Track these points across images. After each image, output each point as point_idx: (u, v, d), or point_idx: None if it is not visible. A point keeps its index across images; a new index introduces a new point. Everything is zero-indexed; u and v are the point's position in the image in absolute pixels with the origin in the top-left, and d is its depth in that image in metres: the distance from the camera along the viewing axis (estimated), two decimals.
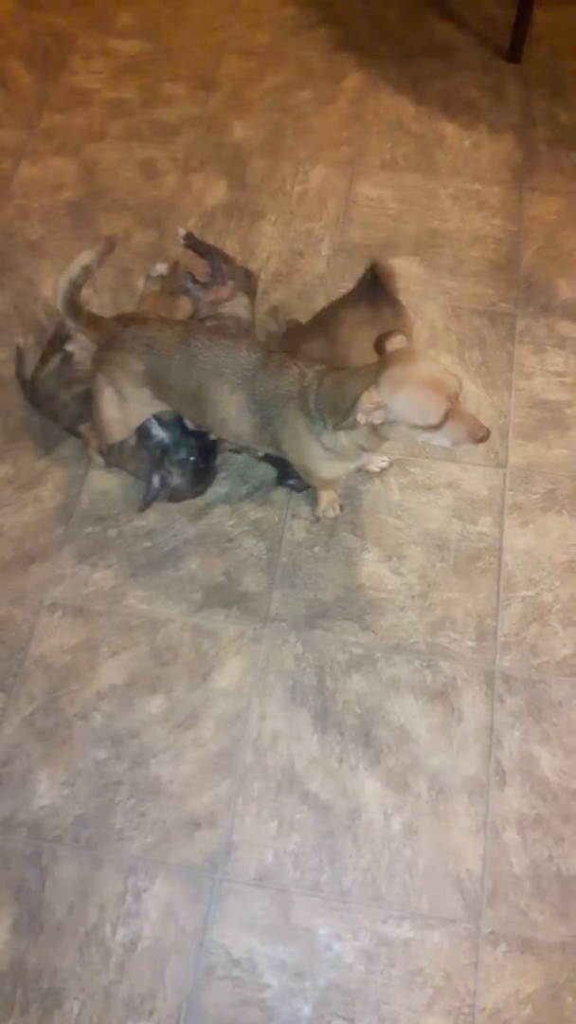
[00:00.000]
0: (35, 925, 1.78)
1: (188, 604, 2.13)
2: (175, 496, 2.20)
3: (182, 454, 2.13)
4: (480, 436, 1.62)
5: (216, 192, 2.82)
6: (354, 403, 1.62)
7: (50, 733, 1.97)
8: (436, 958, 1.75)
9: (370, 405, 1.61)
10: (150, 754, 1.94)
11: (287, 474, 2.21)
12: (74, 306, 1.90)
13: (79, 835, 1.86)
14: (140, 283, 2.60)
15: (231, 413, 1.86)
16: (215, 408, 1.87)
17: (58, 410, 2.26)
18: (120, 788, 1.91)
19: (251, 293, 2.37)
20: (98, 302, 2.54)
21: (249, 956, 1.75)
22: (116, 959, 1.75)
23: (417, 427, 1.63)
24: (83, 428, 2.20)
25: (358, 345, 1.95)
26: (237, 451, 2.28)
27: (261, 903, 1.80)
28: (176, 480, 2.15)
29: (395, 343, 1.66)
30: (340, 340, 2.04)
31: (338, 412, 1.67)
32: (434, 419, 1.60)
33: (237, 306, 2.28)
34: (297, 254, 2.67)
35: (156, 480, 2.13)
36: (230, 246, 2.67)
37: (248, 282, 2.39)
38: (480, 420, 1.64)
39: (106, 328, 1.92)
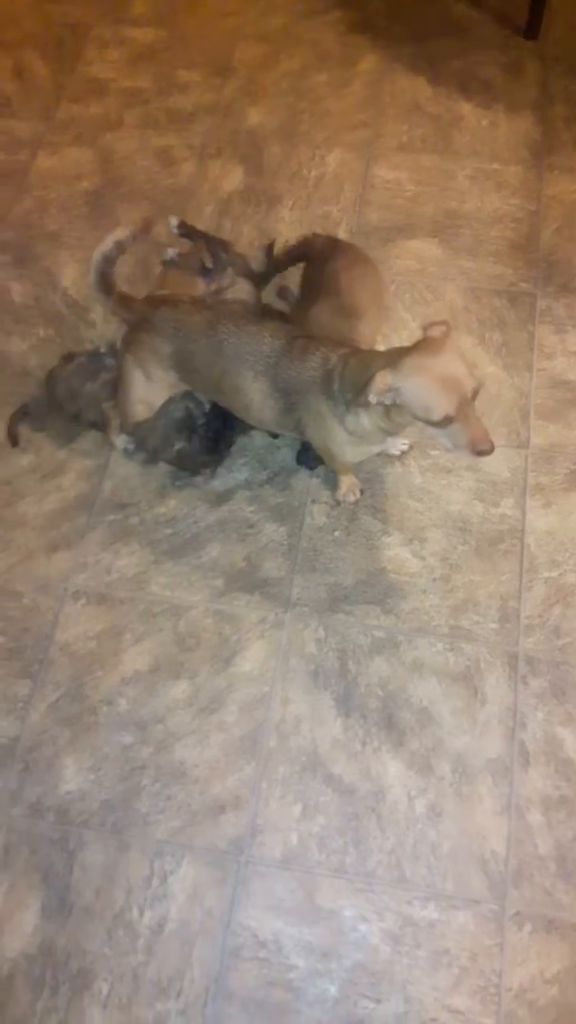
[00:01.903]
0: (63, 908, 1.80)
1: (210, 590, 2.13)
2: (182, 461, 2.21)
3: (196, 421, 2.17)
4: (481, 449, 1.60)
5: (233, 178, 2.81)
6: (369, 381, 1.61)
7: (76, 719, 1.99)
8: (461, 939, 1.75)
9: (382, 386, 1.60)
10: (175, 738, 1.96)
11: (305, 456, 2.21)
12: (106, 282, 1.90)
13: (105, 819, 1.88)
14: (157, 270, 2.60)
15: (255, 399, 1.86)
16: (238, 394, 1.87)
17: (82, 406, 2.25)
18: (145, 772, 1.92)
19: (251, 276, 2.36)
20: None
21: (275, 938, 1.76)
22: (144, 941, 1.77)
23: (421, 419, 1.63)
24: (107, 406, 2.21)
25: (359, 285, 2.12)
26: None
27: (287, 885, 1.81)
28: (183, 444, 2.18)
29: (435, 330, 1.65)
30: (341, 291, 2.10)
31: (357, 391, 1.66)
32: (436, 416, 1.59)
33: (240, 292, 2.28)
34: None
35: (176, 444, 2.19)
36: (247, 231, 2.66)
37: (248, 268, 2.38)
38: (487, 434, 1.60)
39: (137, 308, 1.93)
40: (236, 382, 1.87)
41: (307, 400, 1.80)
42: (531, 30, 3.05)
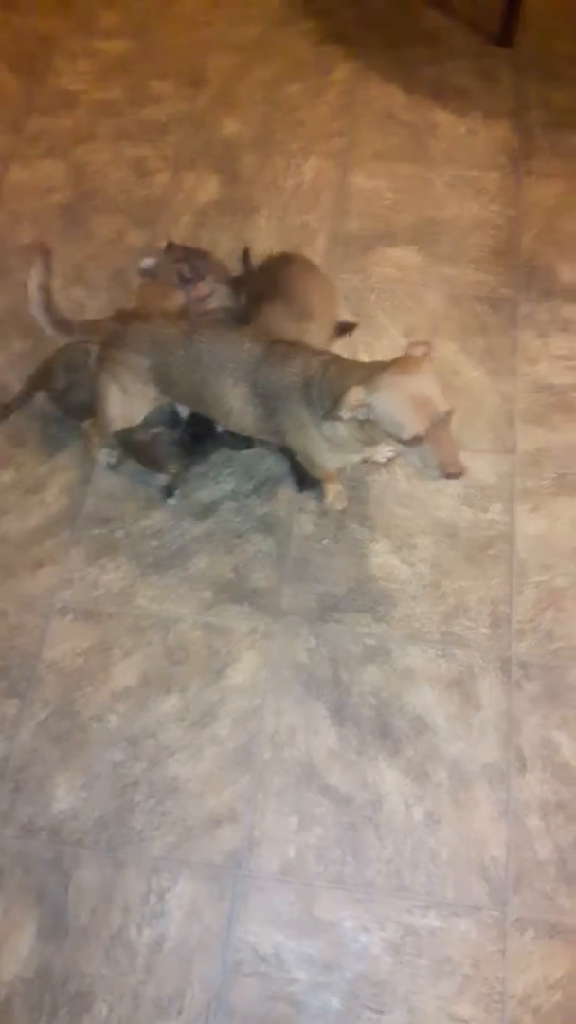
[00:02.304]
0: (60, 929, 1.77)
1: (199, 602, 2.11)
2: (154, 448, 2.18)
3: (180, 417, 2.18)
4: (450, 471, 1.59)
5: (208, 189, 2.81)
6: (342, 396, 1.61)
7: (66, 737, 1.96)
8: (463, 946, 1.74)
9: (354, 401, 1.60)
10: (167, 753, 1.94)
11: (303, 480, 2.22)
12: (61, 324, 1.90)
13: (100, 837, 1.85)
14: (136, 282, 2.58)
15: (235, 406, 1.85)
16: (219, 401, 1.86)
17: (83, 396, 2.23)
18: (139, 789, 1.90)
19: (231, 283, 2.36)
20: (95, 304, 2.53)
21: (276, 951, 1.74)
22: (143, 960, 1.74)
23: (392, 436, 1.62)
24: (86, 425, 2.19)
25: (311, 291, 2.18)
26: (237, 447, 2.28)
27: (285, 898, 1.79)
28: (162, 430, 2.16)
29: (415, 349, 1.65)
30: (293, 295, 2.15)
31: (334, 400, 1.66)
32: (406, 434, 1.59)
33: (220, 297, 2.28)
34: (293, 248, 2.64)
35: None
36: (225, 241, 2.66)
37: (227, 274, 2.39)
38: (457, 457, 1.60)
39: (106, 328, 1.92)
40: (216, 390, 1.86)
41: (287, 406, 1.80)
42: (505, 38, 3.08)
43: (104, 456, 2.26)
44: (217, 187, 2.80)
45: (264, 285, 2.23)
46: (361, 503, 2.23)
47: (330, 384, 1.71)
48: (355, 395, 1.60)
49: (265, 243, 2.65)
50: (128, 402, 1.99)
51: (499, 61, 3.09)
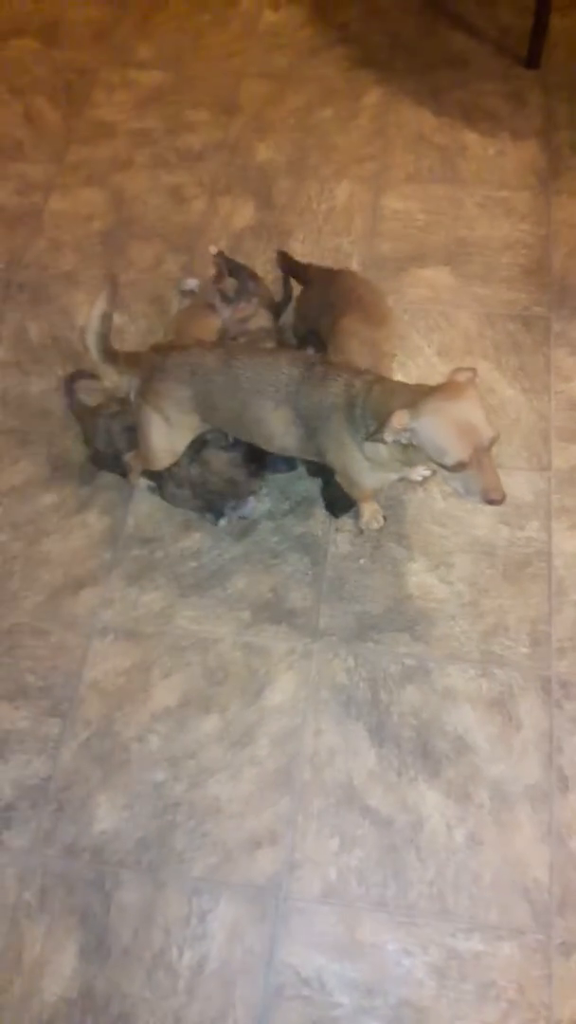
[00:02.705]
0: (102, 950, 1.78)
1: (237, 622, 2.13)
2: (228, 473, 2.18)
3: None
4: (492, 498, 1.60)
5: (244, 214, 2.85)
6: (386, 418, 1.62)
7: (107, 757, 1.97)
8: (508, 971, 1.72)
9: (398, 425, 1.61)
10: (207, 774, 1.94)
11: (333, 503, 2.22)
12: (108, 354, 1.91)
13: (141, 858, 1.86)
14: (174, 307, 2.62)
15: (277, 428, 1.87)
16: (260, 425, 1.88)
17: (120, 449, 2.25)
18: (179, 809, 1.91)
19: (273, 309, 2.40)
20: (135, 328, 2.58)
21: (318, 975, 1.74)
22: (184, 982, 1.74)
23: (435, 461, 1.63)
24: (128, 457, 2.22)
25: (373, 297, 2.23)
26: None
27: (327, 920, 1.78)
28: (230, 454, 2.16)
29: (460, 375, 1.66)
30: (363, 302, 2.19)
31: (378, 421, 1.67)
32: (450, 460, 1.60)
33: (261, 319, 2.31)
34: None
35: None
36: (260, 266, 2.69)
37: (271, 299, 2.42)
38: (500, 484, 1.60)
39: (146, 361, 1.94)
40: (257, 413, 1.87)
41: (328, 426, 1.81)
42: (532, 59, 3.10)
43: (143, 482, 2.29)
44: (252, 212, 2.84)
45: (316, 299, 2.26)
46: (397, 522, 2.23)
47: (374, 405, 1.71)
48: (399, 419, 1.61)
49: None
50: (172, 433, 2.00)
51: (527, 83, 3.11)
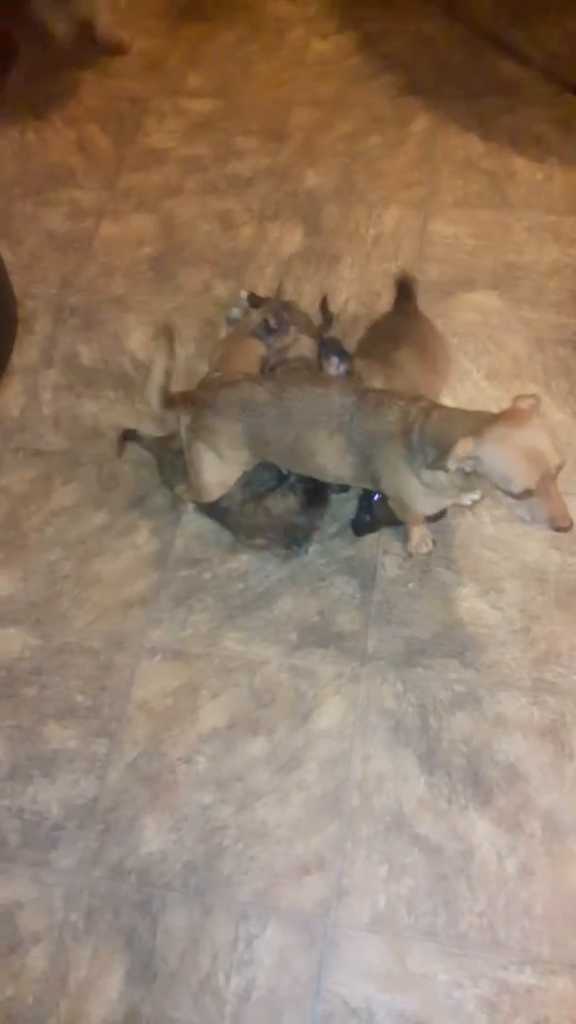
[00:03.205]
0: (148, 974, 1.77)
1: (284, 644, 2.12)
2: (289, 520, 2.17)
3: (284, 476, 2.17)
4: (560, 525, 1.60)
5: (292, 239, 2.87)
6: (450, 447, 1.61)
7: (155, 778, 1.97)
8: (561, 1007, 1.68)
9: (463, 453, 1.61)
10: (255, 797, 1.93)
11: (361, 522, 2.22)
12: (168, 402, 1.92)
13: (188, 881, 1.85)
14: (222, 333, 2.64)
15: (331, 458, 1.87)
16: (315, 456, 1.88)
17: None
18: (227, 832, 1.90)
19: (312, 333, 2.40)
20: (185, 353, 2.60)
21: (367, 1005, 1.71)
22: (231, 1008, 1.73)
23: (501, 489, 1.63)
24: (178, 490, 2.23)
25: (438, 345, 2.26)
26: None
27: (376, 949, 1.76)
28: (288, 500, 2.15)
29: (523, 402, 1.66)
30: (426, 345, 2.21)
31: (439, 448, 1.66)
32: (516, 488, 1.59)
33: (301, 348, 2.32)
34: (375, 295, 2.69)
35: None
36: (309, 291, 2.71)
37: (310, 323, 2.43)
38: (567, 511, 1.60)
39: (198, 399, 1.94)
40: (311, 444, 1.87)
41: (384, 453, 1.81)
42: None
43: (192, 505, 2.30)
44: (301, 238, 2.87)
45: (390, 327, 2.27)
46: (446, 546, 2.22)
47: (434, 432, 1.71)
48: (464, 447, 1.60)
49: (349, 290, 2.70)
50: (224, 468, 2.01)
51: (575, 109, 3.11)
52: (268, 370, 2.29)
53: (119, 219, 3.00)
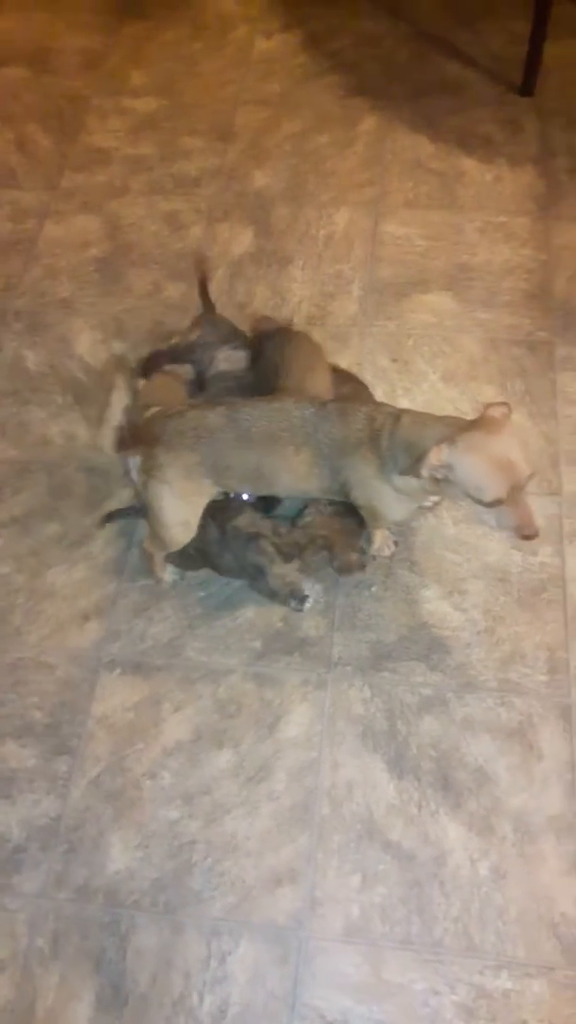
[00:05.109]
0: (119, 998, 1.72)
1: (248, 653, 2.09)
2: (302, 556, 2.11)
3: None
4: (526, 533, 1.61)
5: (242, 240, 2.83)
6: (424, 454, 1.60)
7: (119, 795, 1.92)
8: (539, 1009, 1.68)
9: (436, 461, 1.59)
10: (223, 811, 1.89)
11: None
12: (122, 443, 1.83)
13: (157, 899, 1.80)
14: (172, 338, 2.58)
15: (299, 473, 1.81)
16: (281, 474, 1.82)
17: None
18: (195, 848, 1.85)
19: (246, 344, 2.32)
20: (135, 356, 2.53)
21: (344, 1017, 1.68)
22: None
23: (471, 497, 1.62)
24: (145, 543, 2.10)
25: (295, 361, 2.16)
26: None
27: (351, 960, 1.73)
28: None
29: (495, 410, 1.64)
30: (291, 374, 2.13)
31: (411, 454, 1.64)
32: (487, 497, 1.59)
33: (234, 361, 2.26)
34: (328, 296, 2.67)
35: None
36: (260, 292, 2.68)
37: (234, 333, 2.34)
38: (534, 520, 1.61)
39: (147, 434, 1.83)
40: (277, 463, 1.81)
41: (352, 461, 1.77)
42: (527, 87, 3.13)
43: (170, 574, 2.17)
44: (251, 239, 2.83)
45: (272, 356, 2.18)
46: (408, 548, 2.21)
47: (406, 437, 1.69)
48: (438, 454, 1.58)
49: (302, 292, 2.67)
50: (184, 505, 1.90)
51: (521, 110, 3.14)
52: (198, 391, 2.23)
53: (63, 220, 2.93)
